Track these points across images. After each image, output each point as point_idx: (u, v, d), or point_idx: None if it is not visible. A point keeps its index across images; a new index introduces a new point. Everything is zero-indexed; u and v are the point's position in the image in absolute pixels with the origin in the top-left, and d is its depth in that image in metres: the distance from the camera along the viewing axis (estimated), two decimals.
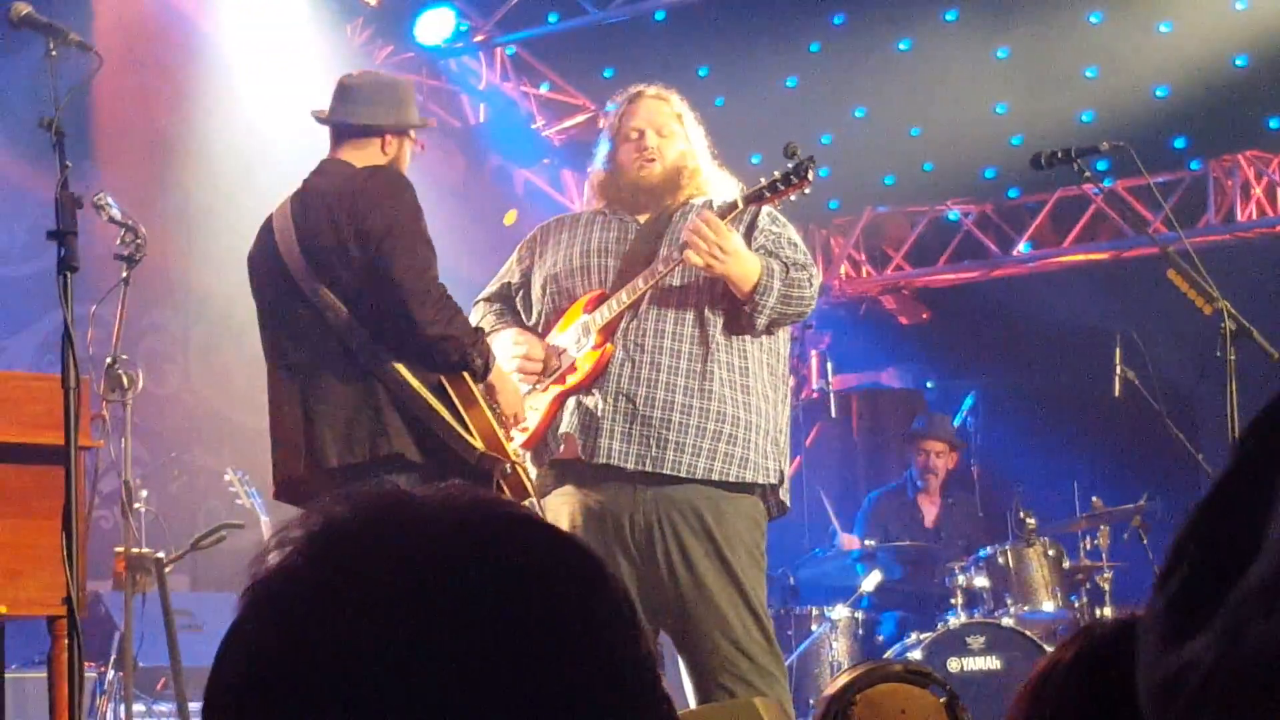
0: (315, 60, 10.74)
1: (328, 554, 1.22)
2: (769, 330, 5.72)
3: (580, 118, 12.64)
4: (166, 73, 11.32)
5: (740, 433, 5.61)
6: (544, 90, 12.77)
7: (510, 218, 12.34)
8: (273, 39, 11.06)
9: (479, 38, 11.99)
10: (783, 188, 5.67)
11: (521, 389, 5.74)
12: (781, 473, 5.77)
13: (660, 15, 11.51)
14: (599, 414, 5.63)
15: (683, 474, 5.55)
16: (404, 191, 5.41)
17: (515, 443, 5.64)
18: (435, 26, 11.57)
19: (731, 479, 5.60)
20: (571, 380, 5.72)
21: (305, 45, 10.95)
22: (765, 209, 5.78)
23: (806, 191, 5.71)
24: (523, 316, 6.02)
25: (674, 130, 5.94)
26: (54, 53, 4.96)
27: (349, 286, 5.38)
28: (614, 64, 11.87)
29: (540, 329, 5.91)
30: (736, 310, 5.63)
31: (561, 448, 5.70)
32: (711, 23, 11.48)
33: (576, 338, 5.74)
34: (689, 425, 5.56)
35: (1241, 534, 1.21)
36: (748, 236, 5.73)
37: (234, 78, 11.15)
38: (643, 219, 5.91)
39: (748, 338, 5.70)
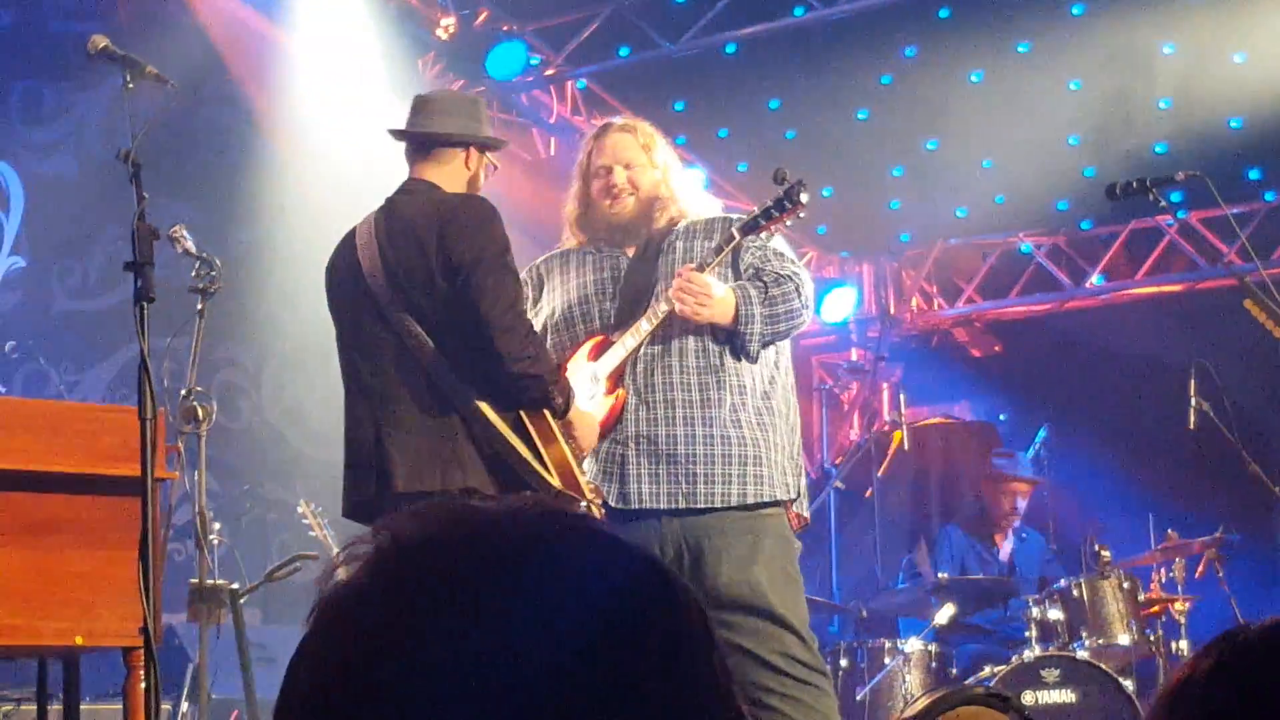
0: (388, 94, 10.77)
1: (394, 569, 1.19)
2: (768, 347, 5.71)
3: None
4: (240, 107, 11.41)
5: (764, 454, 5.61)
6: None
7: None
8: (346, 74, 11.11)
9: (549, 72, 12.01)
10: (776, 214, 5.65)
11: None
12: (800, 488, 5.77)
13: (731, 48, 11.48)
14: (622, 460, 5.62)
15: (717, 504, 5.55)
16: (493, 222, 5.35)
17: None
18: (506, 61, 11.58)
19: (765, 499, 5.59)
20: None
21: (378, 79, 10.99)
22: None
23: (801, 215, 5.69)
24: None
25: (641, 161, 5.89)
26: (130, 85, 5.00)
27: (432, 316, 5.32)
28: (684, 97, 11.88)
29: None
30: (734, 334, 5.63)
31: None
32: (782, 55, 11.46)
33: (584, 387, 5.68)
34: (714, 455, 5.56)
35: None
36: (734, 257, 5.72)
37: (307, 111, 11.20)
38: (630, 252, 5.90)
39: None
